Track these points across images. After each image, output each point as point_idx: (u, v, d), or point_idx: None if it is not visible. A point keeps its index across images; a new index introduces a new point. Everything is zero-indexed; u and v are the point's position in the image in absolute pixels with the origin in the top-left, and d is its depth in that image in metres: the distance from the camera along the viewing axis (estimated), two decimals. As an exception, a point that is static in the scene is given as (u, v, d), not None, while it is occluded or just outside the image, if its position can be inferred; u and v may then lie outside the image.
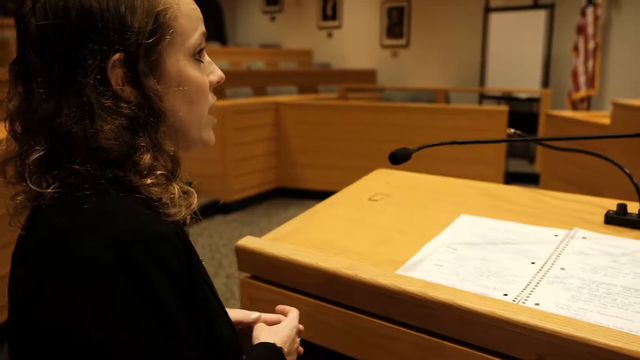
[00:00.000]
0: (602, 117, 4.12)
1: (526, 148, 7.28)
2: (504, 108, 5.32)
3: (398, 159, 0.97)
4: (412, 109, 5.55)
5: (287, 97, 6.51)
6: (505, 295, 0.89)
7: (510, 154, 6.58)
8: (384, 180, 1.45)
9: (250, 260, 1.11)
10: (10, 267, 0.69)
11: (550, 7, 7.02)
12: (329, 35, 9.51)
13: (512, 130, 1.25)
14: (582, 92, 6.45)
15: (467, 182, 1.39)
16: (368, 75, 8.66)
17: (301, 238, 1.15)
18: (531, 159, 7.01)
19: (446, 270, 0.98)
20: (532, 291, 0.89)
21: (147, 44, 0.68)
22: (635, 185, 1.06)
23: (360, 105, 5.82)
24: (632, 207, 1.08)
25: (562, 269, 0.94)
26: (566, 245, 1.01)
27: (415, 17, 8.47)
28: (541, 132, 6.07)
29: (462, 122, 5.34)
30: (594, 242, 1.01)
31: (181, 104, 0.73)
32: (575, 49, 6.50)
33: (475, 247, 1.05)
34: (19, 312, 0.64)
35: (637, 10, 6.50)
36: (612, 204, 1.15)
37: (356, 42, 9.18)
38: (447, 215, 1.20)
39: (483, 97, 7.68)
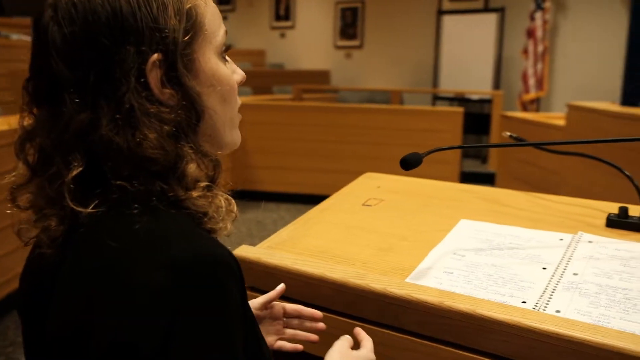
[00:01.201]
0: (557, 118, 4.23)
1: (478, 148, 7.42)
2: (459, 109, 5.39)
3: (410, 164, 0.94)
4: (369, 110, 5.56)
5: (242, 98, 6.36)
6: (524, 302, 0.88)
7: (464, 154, 6.69)
8: (374, 184, 1.42)
9: (247, 271, 1.06)
10: (26, 287, 0.63)
11: (501, 11, 7.18)
12: (282, 35, 9.46)
13: (508, 134, 1.24)
14: (532, 94, 6.62)
15: (460, 185, 1.37)
16: (321, 76, 8.64)
17: (299, 246, 1.11)
18: (484, 159, 7.14)
19: (457, 278, 0.96)
20: (549, 298, 0.88)
21: (183, 42, 0.64)
22: (636, 187, 1.06)
23: (316, 106, 5.78)
24: (633, 210, 1.09)
25: (575, 274, 0.93)
26: (574, 249, 1.00)
27: (369, 18, 8.52)
28: (496, 133, 6.19)
29: (418, 123, 5.39)
30: (600, 246, 1.00)
31: (215, 103, 0.69)
32: (525, 51, 6.67)
33: (483, 253, 1.03)
34: (66, 338, 0.59)
35: (582, 16, 6.72)
36: (610, 207, 1.16)
37: (309, 42, 9.15)
38: (447, 220, 1.18)
39: (436, 99, 7.79)
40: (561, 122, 3.95)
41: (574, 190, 3.75)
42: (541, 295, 0.89)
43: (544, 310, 0.85)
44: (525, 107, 6.67)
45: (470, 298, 0.88)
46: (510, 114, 4.95)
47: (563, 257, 0.98)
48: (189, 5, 0.65)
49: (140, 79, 0.61)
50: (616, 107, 3.65)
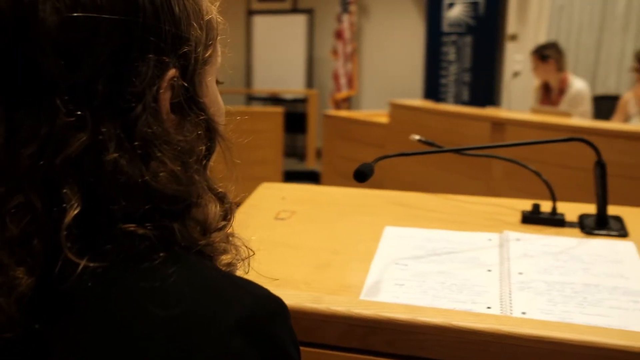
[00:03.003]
0: (379, 116, 4.47)
1: (294, 146, 7.60)
2: (279, 109, 5.47)
3: (366, 174, 0.89)
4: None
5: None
6: (489, 308, 0.88)
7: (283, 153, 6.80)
8: (277, 195, 1.34)
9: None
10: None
11: (309, 12, 7.41)
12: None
13: (417, 137, 1.25)
14: (344, 93, 6.95)
15: (368, 191, 1.35)
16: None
17: (227, 271, 1.00)
18: (301, 157, 7.33)
19: (411, 290, 0.94)
20: (510, 301, 0.89)
21: (203, 59, 0.53)
22: (547, 184, 1.13)
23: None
24: (544, 207, 1.16)
25: (520, 273, 0.96)
26: (508, 249, 1.03)
27: (176, 18, 8.25)
28: (313, 132, 6.38)
29: (239, 123, 5.32)
30: (528, 243, 1.05)
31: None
32: (335, 52, 6.97)
33: (423, 261, 1.02)
34: None
35: (383, 20, 7.21)
36: (519, 204, 1.22)
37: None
38: (369, 228, 1.15)
39: (250, 99, 7.80)
40: (385, 120, 4.18)
41: (398, 185, 4.01)
42: (501, 299, 0.90)
43: (511, 313, 0.87)
44: (337, 106, 6.97)
45: (440, 310, 0.86)
46: (331, 112, 5.12)
47: (501, 257, 1.01)
48: (208, 16, 0.54)
49: (155, 97, 0.48)
50: (434, 105, 3.97)
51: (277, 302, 0.52)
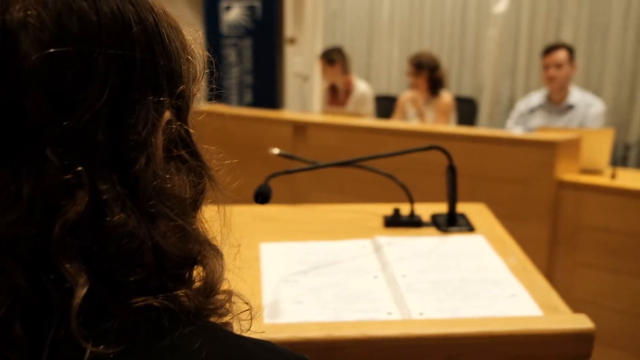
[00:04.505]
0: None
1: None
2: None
3: (268, 196, 0.87)
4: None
5: None
6: (390, 313, 0.93)
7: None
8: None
9: None
10: None
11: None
12: None
13: (277, 151, 1.25)
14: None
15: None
16: None
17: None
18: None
19: (311, 306, 0.95)
20: (405, 304, 0.95)
21: (194, 97, 0.46)
22: (406, 191, 1.22)
23: None
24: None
25: (404, 276, 1.03)
26: (384, 253, 1.10)
27: None
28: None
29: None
30: (399, 246, 1.13)
31: None
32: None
33: (311, 275, 1.03)
34: None
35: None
36: (376, 209, 1.29)
37: None
38: (245, 246, 1.12)
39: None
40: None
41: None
42: (397, 303, 0.96)
43: (411, 316, 0.93)
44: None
45: (350, 323, 0.89)
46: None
47: (380, 262, 1.07)
48: (190, 47, 0.48)
49: (156, 145, 0.43)
50: (234, 109, 3.99)
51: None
